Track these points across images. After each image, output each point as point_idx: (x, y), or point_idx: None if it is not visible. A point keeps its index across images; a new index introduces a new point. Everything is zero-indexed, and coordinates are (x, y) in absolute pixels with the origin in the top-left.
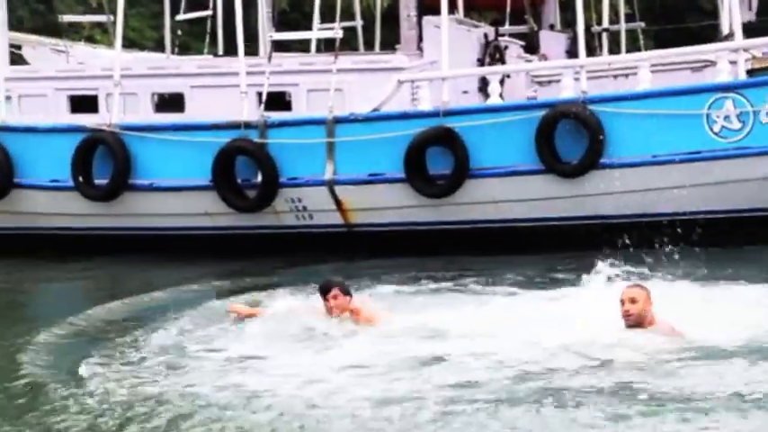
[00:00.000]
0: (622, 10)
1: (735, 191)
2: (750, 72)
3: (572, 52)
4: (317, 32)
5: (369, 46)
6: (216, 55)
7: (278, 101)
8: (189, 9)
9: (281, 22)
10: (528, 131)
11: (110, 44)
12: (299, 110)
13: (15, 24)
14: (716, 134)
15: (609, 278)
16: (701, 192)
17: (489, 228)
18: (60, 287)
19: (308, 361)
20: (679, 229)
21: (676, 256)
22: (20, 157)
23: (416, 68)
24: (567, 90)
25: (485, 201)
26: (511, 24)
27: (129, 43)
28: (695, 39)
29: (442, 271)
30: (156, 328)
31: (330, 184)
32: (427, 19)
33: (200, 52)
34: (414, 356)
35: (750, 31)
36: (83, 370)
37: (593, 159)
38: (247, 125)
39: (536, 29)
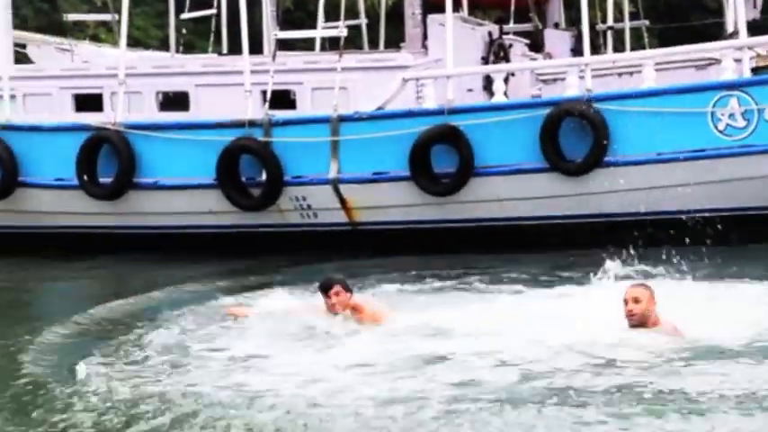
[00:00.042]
0: (627, 8)
1: (739, 189)
2: (755, 70)
3: (576, 50)
4: (321, 31)
5: (373, 44)
6: (220, 54)
7: (282, 99)
8: (193, 8)
9: (285, 21)
10: (532, 130)
11: (114, 43)
12: (304, 108)
13: (20, 23)
14: (721, 132)
15: (614, 276)
16: (705, 190)
17: (494, 226)
18: (64, 286)
19: (310, 359)
20: (683, 228)
21: (680, 255)
22: (24, 155)
23: (421, 67)
24: (571, 88)
25: (489, 199)
26: (515, 22)
27: (133, 42)
28: (700, 37)
29: (446, 269)
30: (159, 326)
31: (335, 183)
32: (432, 17)
33: (204, 51)
34: (417, 355)
35: (755, 28)
36: (85, 369)
37: (597, 157)
38: (252, 124)
39: (540, 27)
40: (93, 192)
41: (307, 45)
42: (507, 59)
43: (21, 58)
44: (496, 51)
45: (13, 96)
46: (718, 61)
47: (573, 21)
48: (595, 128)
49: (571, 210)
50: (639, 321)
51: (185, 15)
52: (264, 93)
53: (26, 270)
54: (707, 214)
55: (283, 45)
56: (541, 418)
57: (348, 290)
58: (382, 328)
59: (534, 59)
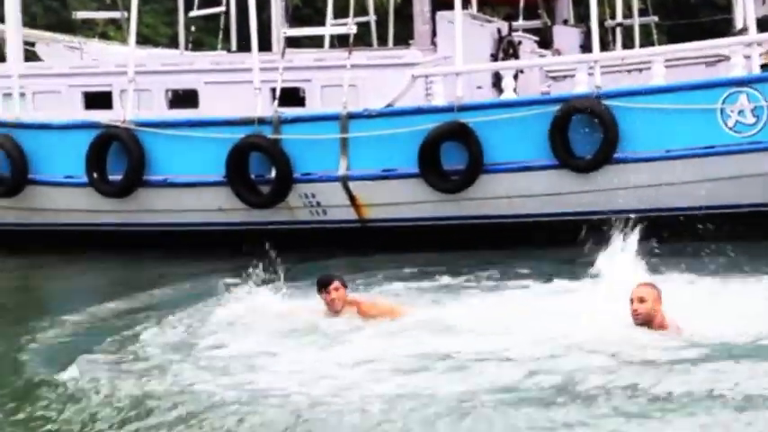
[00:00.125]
0: (636, 4)
1: (749, 185)
2: (764, 66)
3: (586, 47)
4: (330, 28)
5: (382, 41)
6: (229, 51)
7: (292, 97)
8: (202, 5)
9: (294, 18)
10: (542, 127)
11: (123, 41)
12: (313, 106)
13: (29, 21)
14: (730, 129)
15: (623, 272)
16: (715, 186)
17: (503, 223)
18: (73, 283)
19: (315, 357)
20: (693, 225)
21: (689, 251)
22: (34, 153)
23: (430, 64)
24: (580, 85)
25: (498, 196)
26: (524, 19)
27: (142, 39)
28: (709, 33)
29: (455, 266)
30: (163, 325)
31: (344, 180)
32: (441, 14)
33: (213, 48)
34: (424, 352)
35: (764, 25)
36: (88, 367)
37: (606, 154)
38: (261, 121)
39: (549, 24)
40: (102, 189)
41: (315, 42)
42: (516, 56)
43: (30, 56)
44: (505, 48)
45: (22, 94)
46: (727, 58)
47: (582, 17)
48: (604, 125)
49: (580, 206)
50: (644, 320)
51: (194, 13)
52: (274, 90)
53: (35, 267)
54: (716, 211)
55: (292, 42)
56: (547, 416)
57: (345, 286)
58: (387, 324)
59: (543, 56)
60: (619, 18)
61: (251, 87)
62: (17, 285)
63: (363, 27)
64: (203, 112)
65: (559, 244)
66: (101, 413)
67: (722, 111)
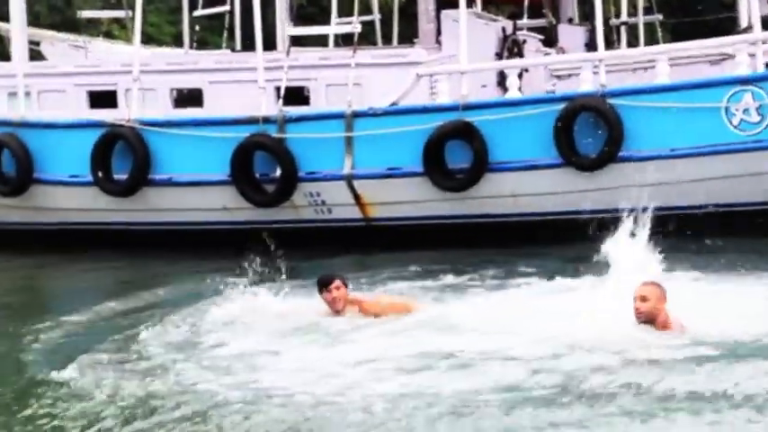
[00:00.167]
0: (640, 3)
1: (754, 184)
2: None
3: (590, 45)
4: (335, 27)
5: (387, 40)
6: (234, 50)
7: (296, 96)
8: (207, 4)
9: (298, 17)
10: (546, 125)
11: (128, 40)
12: (318, 104)
13: (33, 20)
14: (735, 127)
15: (631, 270)
16: (719, 185)
17: (508, 221)
18: (77, 282)
19: (318, 356)
20: (697, 223)
21: (693, 250)
22: (39, 152)
23: (435, 62)
24: (585, 83)
25: (503, 194)
26: (529, 18)
27: (147, 38)
28: (713, 32)
29: (459, 265)
30: (166, 324)
31: (349, 179)
32: (445, 13)
33: (217, 47)
34: (426, 351)
35: None
36: (91, 366)
37: (611, 153)
38: (266, 120)
39: (554, 22)
40: (107, 188)
41: (320, 41)
42: (521, 55)
43: (35, 55)
44: (510, 47)
45: (27, 93)
46: (732, 56)
47: (587, 16)
48: (609, 123)
49: (585, 205)
50: (646, 319)
51: (199, 12)
52: (278, 89)
53: (40, 266)
54: (721, 209)
55: (297, 41)
56: (550, 415)
57: (346, 285)
58: (390, 323)
59: (548, 55)
60: (623, 16)
61: (256, 86)
62: (22, 284)
63: (368, 26)
64: (208, 111)
65: (564, 242)
66: (103, 412)
67: (727, 109)
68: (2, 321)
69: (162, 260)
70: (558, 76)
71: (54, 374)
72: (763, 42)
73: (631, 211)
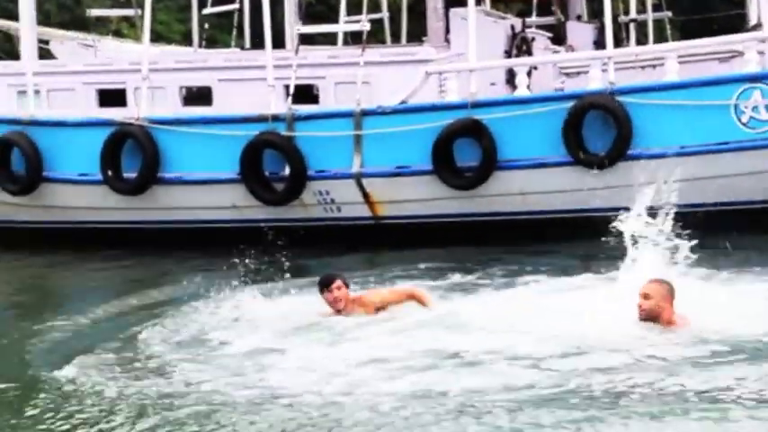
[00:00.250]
0: (650, 0)
1: (763, 181)
2: None
3: (599, 43)
4: (343, 25)
5: (395, 38)
6: (243, 48)
7: (305, 94)
8: (216, 2)
9: (307, 15)
10: (555, 123)
11: (137, 38)
12: (327, 103)
13: (43, 19)
14: (744, 125)
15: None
16: (729, 182)
17: (516, 219)
18: (86, 281)
19: (324, 354)
20: (708, 221)
21: (701, 248)
22: (48, 150)
23: (444, 60)
24: (594, 81)
25: (512, 192)
26: (538, 15)
27: (156, 37)
28: (722, 29)
29: (468, 263)
30: (174, 322)
31: (358, 177)
32: (454, 11)
33: (226, 45)
34: (431, 349)
35: None
36: (97, 365)
37: (620, 151)
38: (275, 118)
39: (563, 20)
40: (117, 187)
41: (329, 39)
42: (530, 53)
43: (44, 53)
44: (519, 45)
45: (37, 92)
46: (741, 53)
47: (595, 13)
48: (618, 121)
49: (594, 203)
50: (648, 316)
51: (208, 10)
52: (287, 87)
53: (49, 265)
54: (730, 207)
55: (306, 39)
56: (556, 415)
57: (347, 285)
58: (396, 321)
59: (557, 52)
60: (632, 13)
61: (265, 84)
62: (31, 283)
63: (377, 24)
64: (217, 109)
65: (573, 240)
66: (109, 411)
67: (736, 107)
68: (11, 320)
69: (171, 258)
70: (567, 74)
71: (60, 373)
72: None
73: (651, 208)
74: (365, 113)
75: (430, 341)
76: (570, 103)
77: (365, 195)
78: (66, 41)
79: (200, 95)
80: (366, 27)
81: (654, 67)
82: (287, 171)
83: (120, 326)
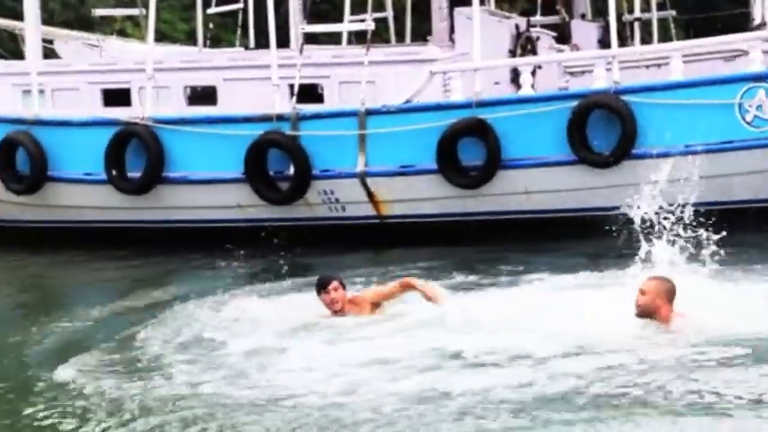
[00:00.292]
0: None
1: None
2: None
3: (604, 42)
4: (348, 24)
5: (400, 38)
6: (247, 48)
7: (310, 93)
8: (220, 2)
9: (311, 14)
10: (560, 122)
11: (141, 37)
12: (331, 102)
13: (47, 18)
14: (748, 124)
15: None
16: (733, 181)
17: (521, 218)
18: (90, 280)
19: (324, 355)
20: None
21: (704, 246)
22: (53, 150)
23: (448, 60)
24: (599, 80)
25: (517, 191)
26: (542, 15)
27: (160, 36)
28: (727, 28)
29: (472, 262)
30: (176, 323)
31: (362, 176)
32: (459, 10)
33: (231, 45)
34: (432, 348)
35: None
36: (98, 365)
37: (624, 150)
38: (279, 118)
39: (567, 19)
40: (121, 186)
41: (333, 39)
42: (534, 52)
43: (49, 53)
44: (523, 44)
45: (41, 91)
46: (745, 53)
47: (600, 12)
48: (623, 120)
49: (599, 202)
50: (642, 312)
51: (212, 10)
52: (292, 87)
53: (53, 264)
54: (734, 206)
55: (310, 39)
56: (560, 414)
57: (344, 286)
58: (397, 321)
59: (561, 51)
60: (637, 13)
61: (269, 84)
62: (35, 282)
63: (381, 23)
64: (222, 108)
65: (578, 239)
66: (110, 411)
67: (740, 106)
68: (15, 319)
69: (175, 258)
70: (572, 73)
71: (60, 373)
72: None
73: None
74: (369, 113)
75: (432, 340)
76: (575, 103)
77: (370, 194)
78: (70, 41)
79: (204, 95)
80: (371, 26)
81: (658, 66)
82: (291, 170)
83: (121, 325)
